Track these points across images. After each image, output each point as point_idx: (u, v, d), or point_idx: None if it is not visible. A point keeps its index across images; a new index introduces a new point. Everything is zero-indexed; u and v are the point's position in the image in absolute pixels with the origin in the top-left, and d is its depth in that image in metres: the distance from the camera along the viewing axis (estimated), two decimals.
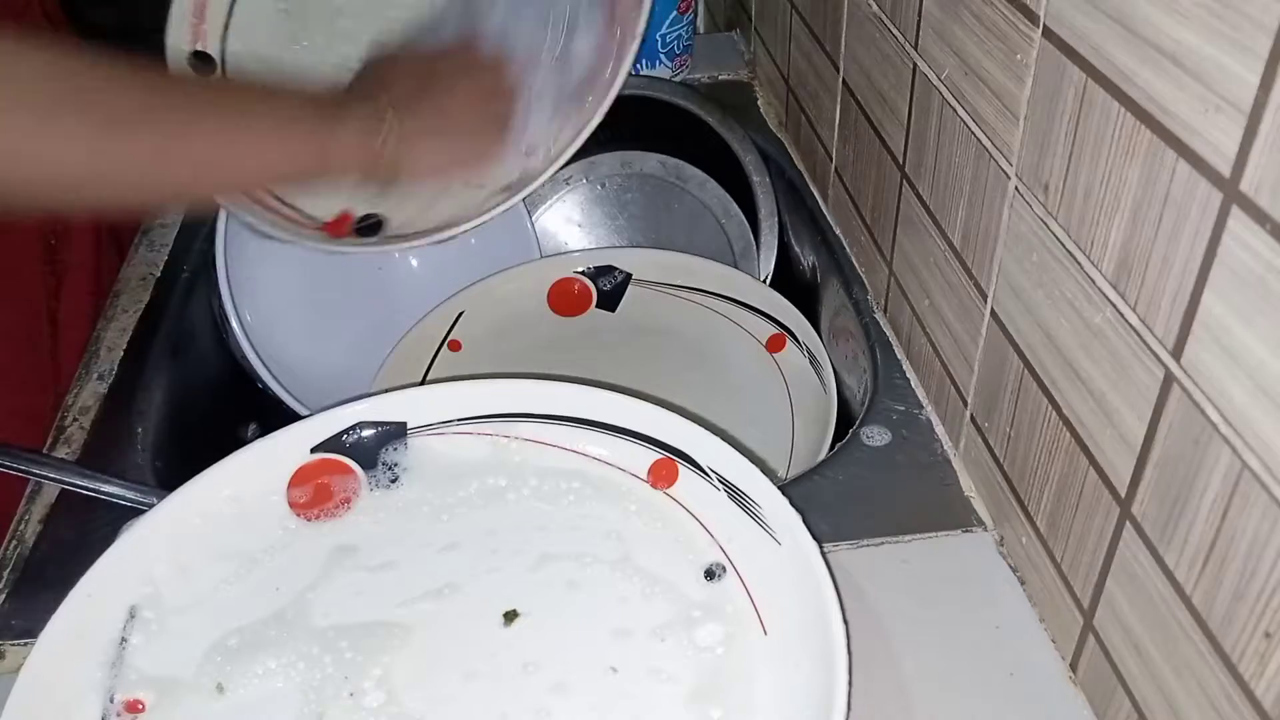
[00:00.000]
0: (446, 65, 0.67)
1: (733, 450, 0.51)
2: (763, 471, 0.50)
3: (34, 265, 0.84)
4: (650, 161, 0.90)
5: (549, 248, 0.90)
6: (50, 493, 0.61)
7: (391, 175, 0.63)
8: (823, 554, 0.46)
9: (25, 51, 0.46)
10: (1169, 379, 0.38)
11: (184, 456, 0.68)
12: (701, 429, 0.52)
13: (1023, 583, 0.53)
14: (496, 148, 0.68)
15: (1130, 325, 0.40)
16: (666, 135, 0.90)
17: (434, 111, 0.64)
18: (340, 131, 0.59)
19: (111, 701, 0.46)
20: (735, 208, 0.88)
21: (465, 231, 0.68)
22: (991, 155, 0.51)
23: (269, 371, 0.77)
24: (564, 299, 0.83)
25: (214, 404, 0.80)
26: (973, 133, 0.53)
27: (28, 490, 0.61)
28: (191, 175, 0.55)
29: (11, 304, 0.81)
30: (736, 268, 0.84)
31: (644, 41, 0.70)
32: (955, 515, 0.57)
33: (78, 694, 0.46)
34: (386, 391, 0.57)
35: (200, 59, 0.73)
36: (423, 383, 0.77)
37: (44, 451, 0.65)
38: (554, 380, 0.56)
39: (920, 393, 0.66)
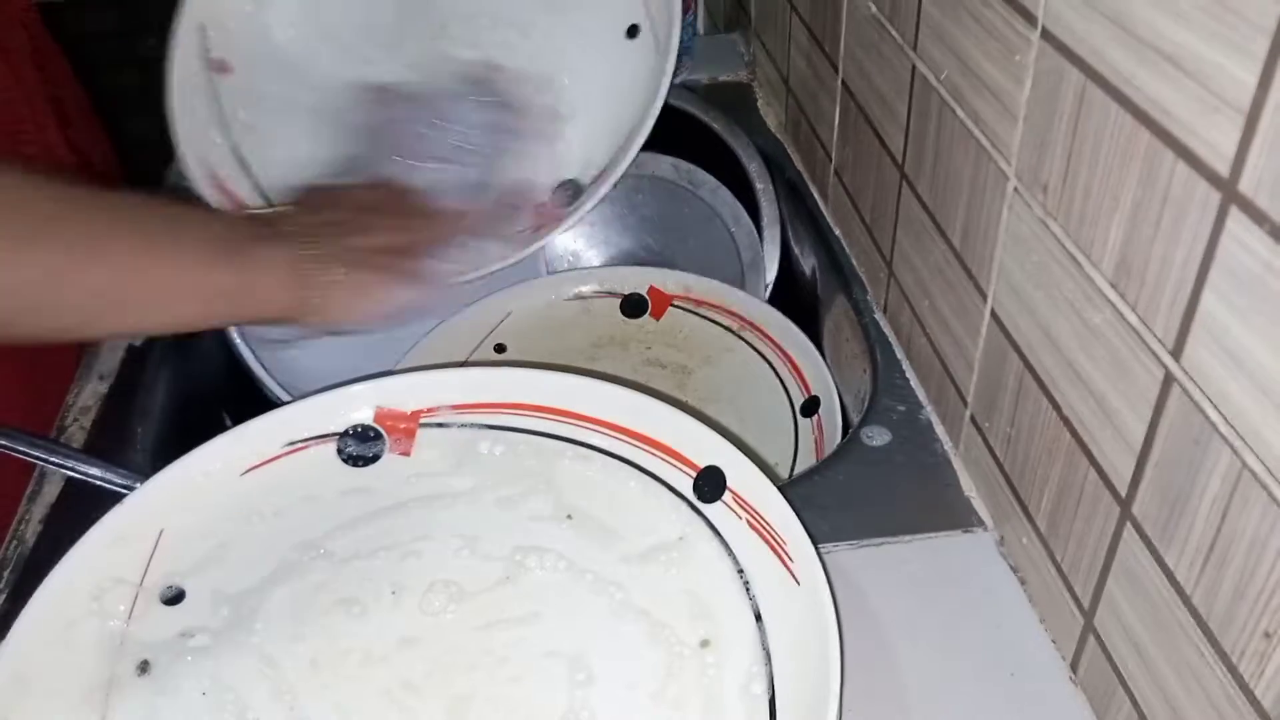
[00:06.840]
0: (369, 204, 0.63)
1: (768, 481, 0.49)
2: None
3: None
4: (663, 164, 0.89)
5: (554, 245, 0.90)
6: (51, 493, 0.61)
7: (312, 321, 0.59)
8: (834, 601, 0.44)
9: None
10: (1169, 379, 0.38)
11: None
12: (742, 455, 0.50)
13: (1023, 583, 0.53)
14: (423, 296, 0.64)
15: (1130, 325, 0.40)
16: (675, 139, 0.90)
17: (356, 259, 0.59)
18: (266, 271, 0.55)
19: None
20: (745, 216, 0.87)
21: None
22: (990, 156, 0.51)
23: (268, 372, 0.77)
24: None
25: (214, 404, 0.80)
26: (972, 134, 0.53)
27: (28, 491, 0.61)
28: (89, 305, 0.50)
29: None
30: (743, 275, 0.85)
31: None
32: (955, 515, 0.57)
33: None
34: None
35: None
36: None
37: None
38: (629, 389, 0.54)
39: (920, 393, 0.66)
